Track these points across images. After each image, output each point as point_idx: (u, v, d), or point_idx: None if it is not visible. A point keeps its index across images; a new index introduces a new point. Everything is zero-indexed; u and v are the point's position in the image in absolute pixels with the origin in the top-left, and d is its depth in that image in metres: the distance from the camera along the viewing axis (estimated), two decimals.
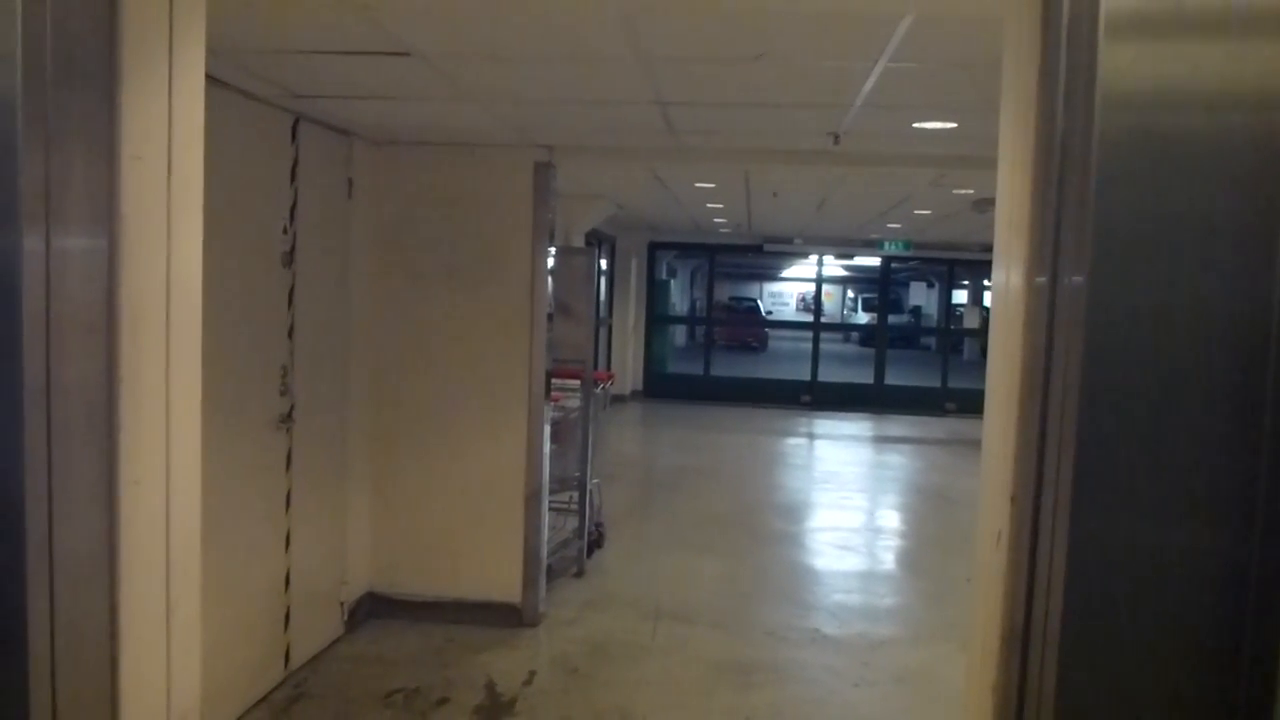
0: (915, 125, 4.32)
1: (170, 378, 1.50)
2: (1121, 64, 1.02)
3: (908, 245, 14.42)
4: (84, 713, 1.37)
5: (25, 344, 1.25)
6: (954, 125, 4.26)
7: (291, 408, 4.40)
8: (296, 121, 4.41)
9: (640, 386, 15.64)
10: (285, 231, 4.35)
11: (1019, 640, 1.19)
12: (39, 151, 1.24)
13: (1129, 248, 1.01)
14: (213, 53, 3.29)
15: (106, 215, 1.37)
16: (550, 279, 5.31)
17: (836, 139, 4.66)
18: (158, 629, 1.48)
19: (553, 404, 5.66)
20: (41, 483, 1.26)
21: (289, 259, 4.37)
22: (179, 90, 1.53)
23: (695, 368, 17.21)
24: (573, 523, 6.36)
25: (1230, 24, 0.99)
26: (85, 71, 1.34)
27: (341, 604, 5.06)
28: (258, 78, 3.78)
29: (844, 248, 15.66)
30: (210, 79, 3.61)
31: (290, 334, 4.40)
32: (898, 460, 11.82)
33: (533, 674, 4.74)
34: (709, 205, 10.05)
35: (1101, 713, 1.07)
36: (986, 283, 20.76)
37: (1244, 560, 1.03)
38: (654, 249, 15.95)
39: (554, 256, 5.42)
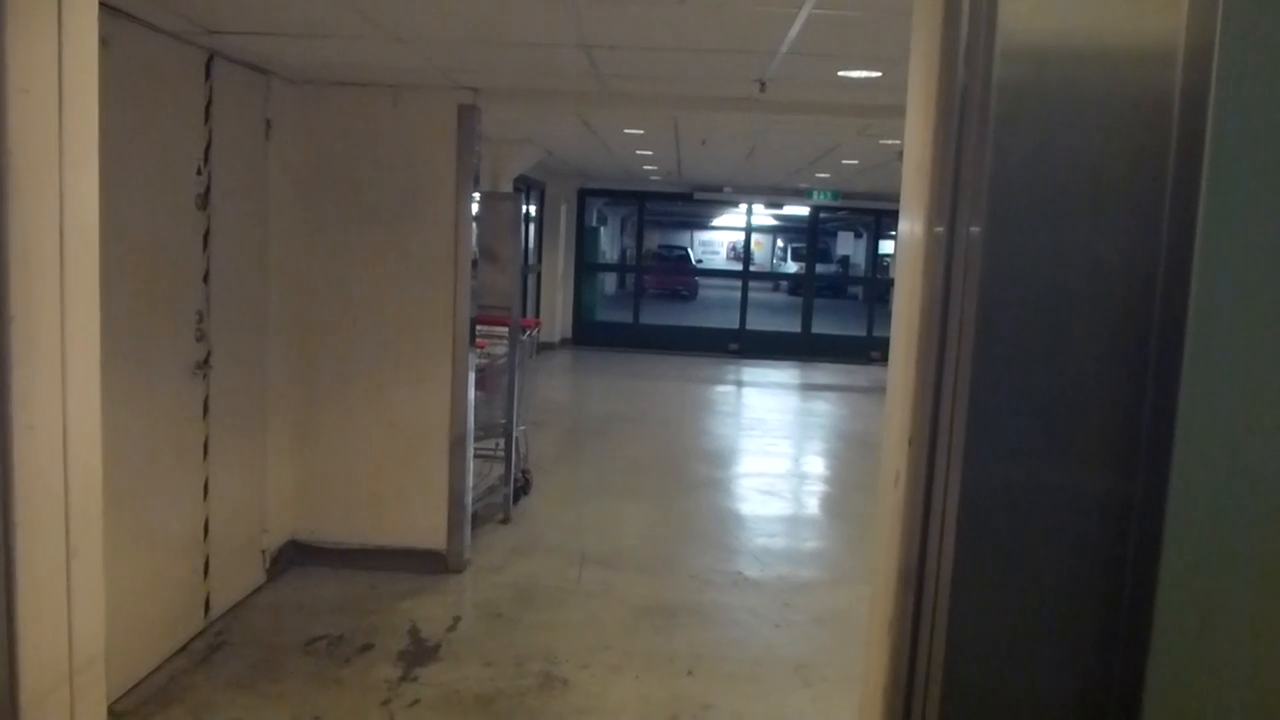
0: (840, 74, 4.33)
1: (66, 319, 1.45)
2: (1021, 14, 1.03)
3: (836, 195, 14.53)
4: None
5: None
6: (878, 74, 4.28)
7: (208, 354, 4.29)
8: (211, 59, 4.24)
9: (569, 334, 15.61)
10: (199, 173, 4.20)
11: (914, 577, 1.23)
12: None
13: (1023, 199, 1.03)
14: None
15: None
16: (475, 224, 5.24)
17: (763, 86, 4.66)
18: (57, 576, 1.45)
19: (479, 351, 5.62)
20: None
21: (203, 201, 4.23)
22: (70, 19, 1.45)
23: (625, 315, 17.22)
24: (499, 469, 6.36)
25: None
26: None
27: (263, 552, 5.00)
28: (167, 11, 3.63)
29: (773, 196, 15.71)
30: (115, 11, 3.47)
31: (205, 279, 4.28)
32: (823, 407, 12.03)
33: (457, 619, 4.76)
34: (638, 152, 9.98)
35: (989, 646, 1.12)
36: None
37: (1127, 500, 1.07)
38: (584, 196, 15.83)
39: (479, 202, 5.34)
